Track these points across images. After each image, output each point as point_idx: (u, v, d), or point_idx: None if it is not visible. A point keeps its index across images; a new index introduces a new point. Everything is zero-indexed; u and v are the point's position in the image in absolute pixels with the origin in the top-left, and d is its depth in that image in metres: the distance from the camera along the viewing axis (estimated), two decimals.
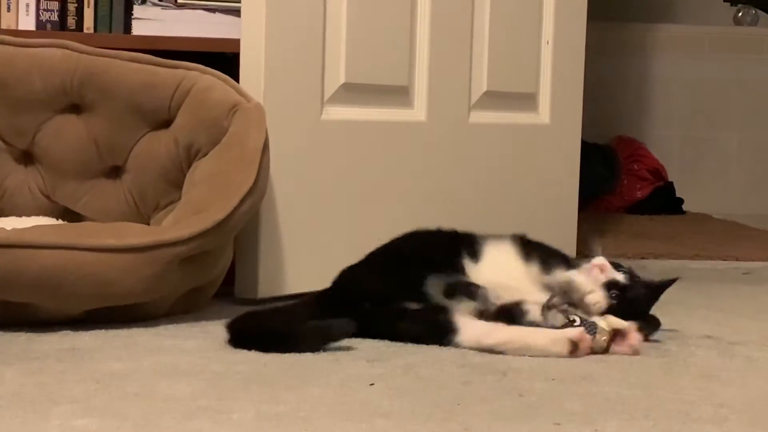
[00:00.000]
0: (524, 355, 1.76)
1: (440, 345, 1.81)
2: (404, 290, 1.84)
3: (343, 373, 1.64)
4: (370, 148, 2.40)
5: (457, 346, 1.80)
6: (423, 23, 2.48)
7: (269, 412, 1.42)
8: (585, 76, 2.89)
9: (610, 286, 1.86)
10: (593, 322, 1.80)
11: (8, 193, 2.28)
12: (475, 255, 1.93)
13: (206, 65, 2.23)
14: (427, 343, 1.81)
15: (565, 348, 1.77)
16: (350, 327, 1.78)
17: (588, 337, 1.78)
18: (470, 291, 1.81)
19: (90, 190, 2.27)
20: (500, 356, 1.77)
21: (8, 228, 1.93)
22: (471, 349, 1.79)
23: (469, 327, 1.80)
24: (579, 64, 2.87)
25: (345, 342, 1.81)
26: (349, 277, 1.95)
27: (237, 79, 2.21)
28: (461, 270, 1.89)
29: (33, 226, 2.00)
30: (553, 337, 1.78)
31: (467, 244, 1.95)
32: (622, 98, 4.67)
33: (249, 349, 1.76)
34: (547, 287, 1.86)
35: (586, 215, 3.22)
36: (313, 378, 1.61)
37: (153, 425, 1.34)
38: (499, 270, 1.91)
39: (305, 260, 2.25)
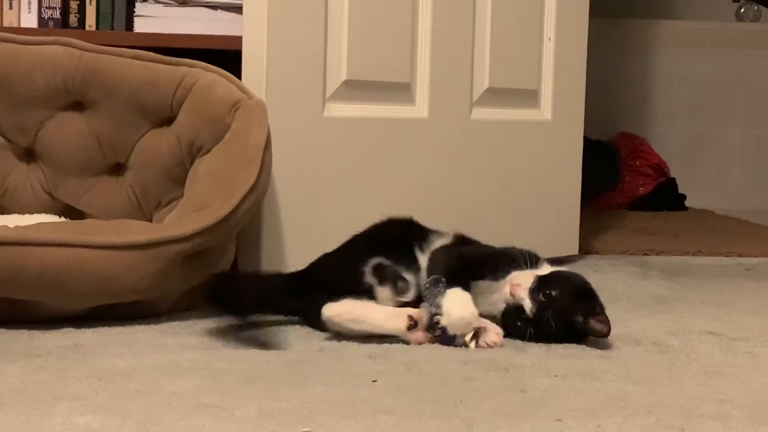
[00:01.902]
0: (364, 331, 1.79)
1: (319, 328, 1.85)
2: (346, 278, 1.87)
3: (346, 370, 1.64)
4: (372, 144, 2.40)
5: (323, 324, 1.83)
6: (425, 20, 2.48)
7: (272, 409, 1.42)
8: (587, 72, 2.89)
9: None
10: None
11: (10, 191, 2.28)
12: (422, 248, 1.97)
13: (208, 62, 2.23)
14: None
15: (402, 323, 1.77)
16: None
17: (426, 316, 1.77)
18: (396, 281, 1.83)
19: (92, 187, 2.28)
20: (502, 353, 1.77)
21: (10, 225, 1.93)
22: (327, 324, 1.82)
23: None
24: (581, 60, 2.87)
25: (348, 339, 1.82)
26: (315, 263, 1.99)
27: (239, 76, 2.21)
28: (413, 258, 1.94)
29: (35, 224, 2.00)
30: (390, 313, 1.79)
31: (419, 236, 1.99)
32: (625, 94, 4.67)
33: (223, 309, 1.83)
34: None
35: (588, 212, 3.22)
36: (315, 375, 1.61)
37: (155, 422, 1.34)
38: None
39: (308, 256, 2.24)
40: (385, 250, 1.91)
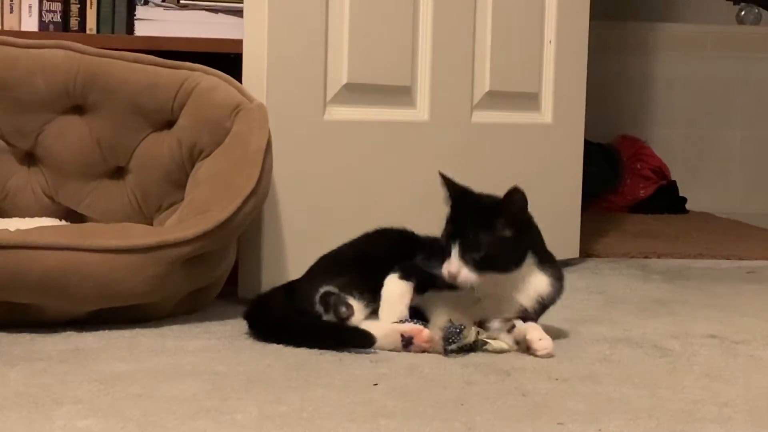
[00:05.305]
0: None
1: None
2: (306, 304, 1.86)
3: (347, 373, 1.64)
4: (373, 148, 2.40)
5: None
6: (425, 23, 2.48)
7: (272, 412, 1.42)
8: (588, 75, 2.89)
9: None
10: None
11: (11, 194, 2.28)
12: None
13: (209, 66, 2.24)
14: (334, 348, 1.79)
15: (396, 342, 1.77)
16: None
17: (425, 335, 1.77)
18: (338, 308, 1.80)
19: (93, 190, 2.28)
20: (503, 356, 1.77)
21: (11, 229, 1.93)
22: None
23: None
24: (581, 63, 2.87)
25: None
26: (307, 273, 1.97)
27: (239, 80, 2.21)
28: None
29: (36, 227, 2.00)
30: (385, 332, 1.79)
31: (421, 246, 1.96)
32: (625, 97, 4.67)
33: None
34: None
35: (588, 214, 3.22)
36: (316, 378, 1.61)
37: (156, 426, 1.34)
38: None
39: (308, 260, 2.24)
40: (369, 266, 1.89)
